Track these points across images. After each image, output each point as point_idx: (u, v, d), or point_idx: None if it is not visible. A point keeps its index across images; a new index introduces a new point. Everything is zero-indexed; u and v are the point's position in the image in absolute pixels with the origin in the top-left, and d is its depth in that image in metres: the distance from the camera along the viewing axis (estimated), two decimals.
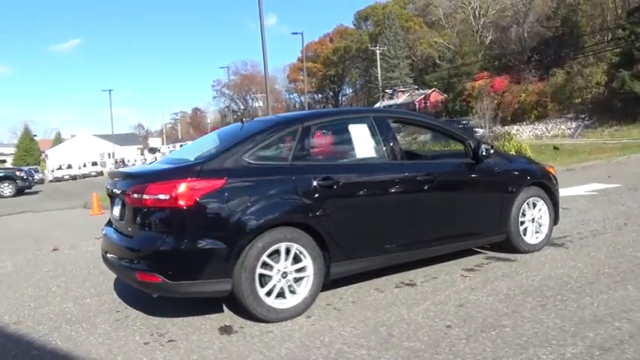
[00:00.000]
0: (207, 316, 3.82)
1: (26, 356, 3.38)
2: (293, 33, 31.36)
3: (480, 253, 5.16)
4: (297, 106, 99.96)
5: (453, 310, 3.63)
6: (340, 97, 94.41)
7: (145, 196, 3.41)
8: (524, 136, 38.54)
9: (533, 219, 5.04)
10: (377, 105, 61.65)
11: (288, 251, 3.63)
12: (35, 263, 6.33)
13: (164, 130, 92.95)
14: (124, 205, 3.74)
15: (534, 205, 5.05)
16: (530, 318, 3.39)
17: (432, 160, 5.21)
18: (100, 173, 40.92)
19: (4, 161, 65.15)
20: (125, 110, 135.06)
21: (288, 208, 3.63)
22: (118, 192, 3.77)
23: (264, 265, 3.54)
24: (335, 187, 3.80)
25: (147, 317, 3.94)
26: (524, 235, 4.98)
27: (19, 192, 22.04)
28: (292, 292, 3.67)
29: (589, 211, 7.15)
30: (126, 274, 3.63)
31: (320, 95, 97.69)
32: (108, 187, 4.05)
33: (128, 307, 4.23)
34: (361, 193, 3.98)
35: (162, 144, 67.36)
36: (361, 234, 3.96)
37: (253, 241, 3.47)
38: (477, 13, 54.50)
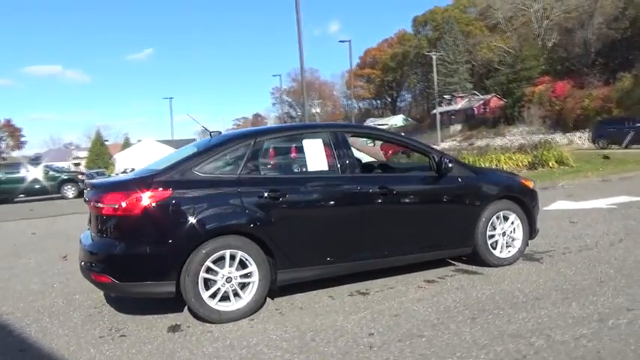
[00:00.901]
0: (166, 315, 4.17)
1: (2, 343, 3.85)
2: (340, 41, 31.67)
3: (451, 264, 5.22)
4: (356, 112, 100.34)
5: (385, 320, 3.77)
6: (398, 103, 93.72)
7: (101, 205, 3.81)
8: (587, 143, 36.82)
9: (504, 233, 5.04)
10: (433, 111, 60.73)
11: (233, 257, 3.91)
12: (55, 260, 6.96)
13: None
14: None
15: (506, 219, 5.06)
16: (454, 330, 3.48)
17: (400, 173, 5.32)
18: None
19: (78, 164, 69.77)
20: (195, 115, 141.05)
21: (233, 217, 3.91)
22: (87, 200, 4.21)
23: (209, 270, 3.84)
24: (281, 199, 4.05)
25: (116, 314, 4.34)
26: (494, 248, 5.00)
27: (82, 194, 23.67)
28: (237, 296, 3.95)
29: (593, 226, 6.94)
30: (86, 275, 4.03)
31: (378, 101, 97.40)
32: (84, 195, 4.50)
33: (106, 304, 4.65)
34: (309, 205, 4.20)
35: None
36: (308, 244, 4.18)
37: (197, 248, 3.79)
38: (539, 15, 52.58)
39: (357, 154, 5.80)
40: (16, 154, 76.71)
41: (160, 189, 3.79)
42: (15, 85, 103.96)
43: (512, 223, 5.08)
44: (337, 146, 4.40)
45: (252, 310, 3.98)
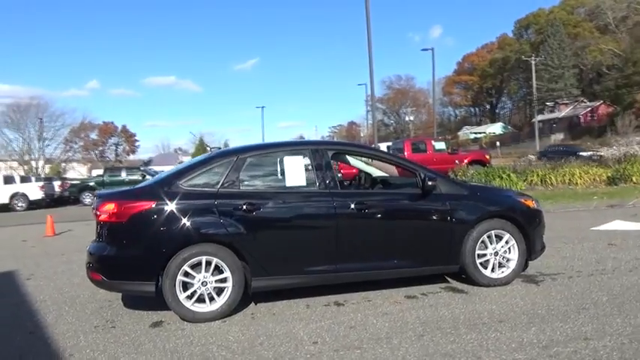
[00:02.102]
0: (158, 312, 4.65)
1: (22, 326, 4.54)
2: (423, 49, 31.17)
3: (445, 281, 5.22)
4: (452, 119, 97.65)
5: (339, 330, 3.96)
6: (498, 110, 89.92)
7: (98, 213, 4.39)
8: None
9: (497, 252, 4.96)
10: (534, 120, 57.49)
11: (209, 264, 4.31)
12: None
13: None
14: None
15: (499, 239, 4.97)
16: (393, 346, 3.60)
17: (386, 189, 5.39)
18: None
19: None
20: (293, 123, 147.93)
21: (209, 227, 4.31)
22: (92, 208, 4.82)
23: (187, 274, 4.27)
24: (256, 211, 4.38)
25: (120, 308, 4.92)
26: (485, 268, 4.94)
27: None
28: (212, 299, 4.34)
29: (629, 250, 6.50)
30: (87, 273, 4.61)
31: (476, 109, 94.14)
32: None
33: (119, 299, 5.24)
34: (283, 218, 4.49)
35: None
36: (282, 254, 4.46)
37: (176, 254, 4.23)
38: None
39: (367, 169, 5.99)
40: (131, 158, 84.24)
41: (145, 200, 4.30)
42: (134, 95, 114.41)
43: (507, 242, 4.99)
44: (317, 163, 4.65)
45: (224, 312, 4.34)
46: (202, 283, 4.30)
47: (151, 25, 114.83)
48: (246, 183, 4.57)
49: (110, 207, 4.31)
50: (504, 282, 4.97)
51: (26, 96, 71.16)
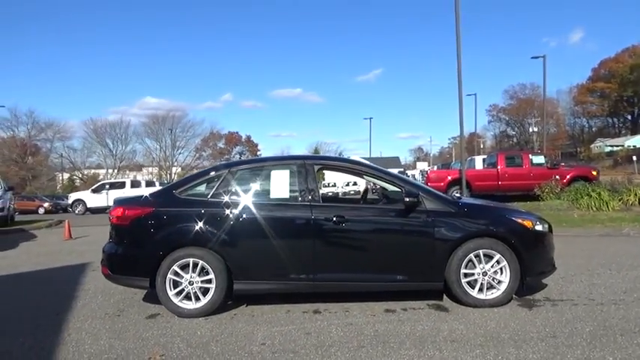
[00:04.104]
0: (161, 305, 5.23)
1: (53, 308, 5.38)
2: (532, 57, 29.09)
3: (436, 298, 5.17)
4: (586, 130, 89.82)
5: (293, 335, 4.21)
6: None
7: (110, 216, 5.11)
8: None
9: (485, 272, 4.84)
10: None
11: (196, 265, 4.81)
12: None
13: (431, 154, 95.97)
14: None
15: (489, 258, 4.85)
16: (329, 354, 3.79)
17: (386, 204, 5.45)
18: (357, 192, 45.68)
19: None
20: (412, 134, 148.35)
21: (196, 232, 4.80)
22: None
23: (176, 273, 4.81)
24: (235, 220, 4.80)
25: (137, 300, 5.58)
26: (472, 287, 4.85)
27: None
28: (197, 297, 4.82)
29: None
30: (100, 268, 5.34)
31: (614, 119, 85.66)
32: None
33: (143, 292, 5.93)
34: (263, 227, 4.82)
35: (429, 166, 70.20)
36: (262, 261, 4.81)
37: (168, 254, 4.79)
38: None
39: (382, 183, 6.11)
40: None
41: (145, 206, 4.92)
42: (261, 107, 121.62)
43: (498, 263, 4.84)
44: (301, 177, 4.95)
45: (208, 310, 4.79)
46: (189, 282, 4.80)
47: (285, 39, 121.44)
48: (233, 194, 5.00)
49: (118, 211, 4.99)
50: (493, 303, 4.83)
51: (171, 108, 79.48)
